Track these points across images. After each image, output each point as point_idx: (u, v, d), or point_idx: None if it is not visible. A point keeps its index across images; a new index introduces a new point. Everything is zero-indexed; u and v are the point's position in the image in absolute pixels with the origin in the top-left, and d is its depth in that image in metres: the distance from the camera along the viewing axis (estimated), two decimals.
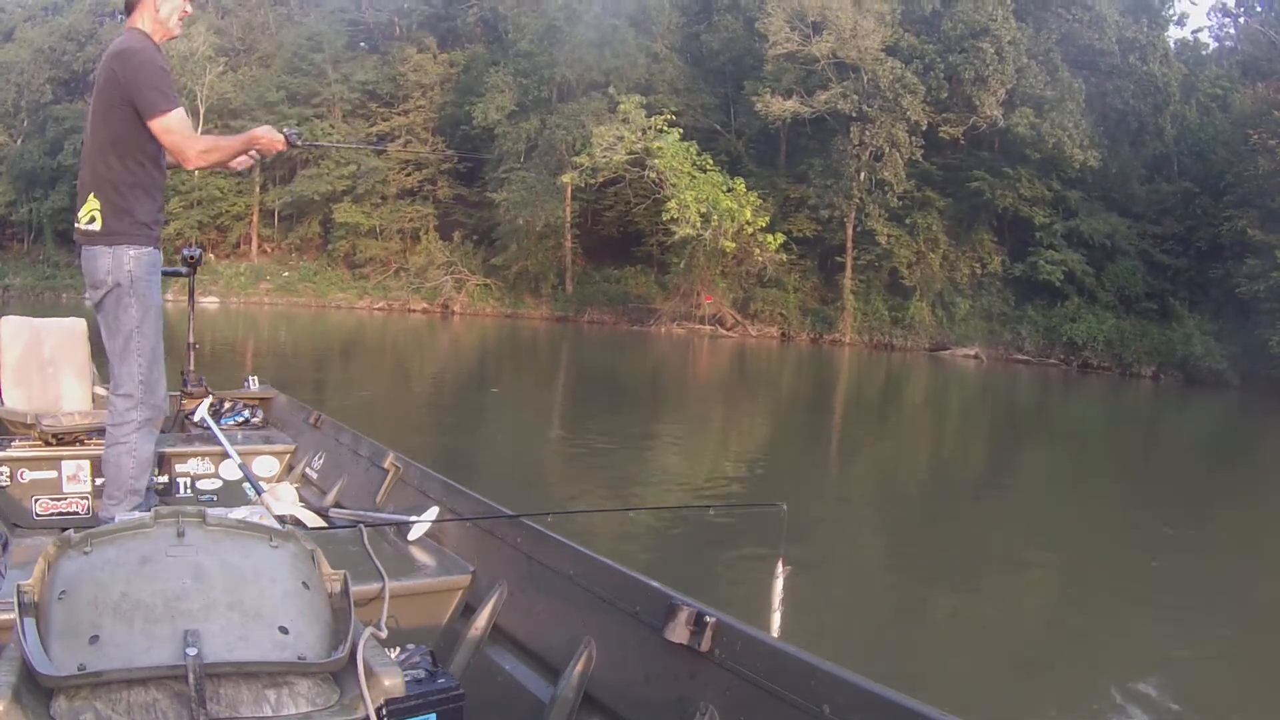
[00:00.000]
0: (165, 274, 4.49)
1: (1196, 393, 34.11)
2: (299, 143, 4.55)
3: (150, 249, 4.13)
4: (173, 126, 3.95)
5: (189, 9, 4.25)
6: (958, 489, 13.95)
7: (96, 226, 4.03)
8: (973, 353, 41.44)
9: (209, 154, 4.13)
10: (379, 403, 18.30)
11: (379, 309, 52.66)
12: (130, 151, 4.02)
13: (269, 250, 58.07)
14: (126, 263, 4.04)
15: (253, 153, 4.38)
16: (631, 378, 27.78)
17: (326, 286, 54.82)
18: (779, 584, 3.07)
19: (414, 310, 52.12)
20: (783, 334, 45.06)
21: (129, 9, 4.15)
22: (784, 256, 44.28)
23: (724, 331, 44.61)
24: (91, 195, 4.03)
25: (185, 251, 6.12)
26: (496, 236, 51.48)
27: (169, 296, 4.33)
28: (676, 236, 42.70)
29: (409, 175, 55.10)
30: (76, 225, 4.11)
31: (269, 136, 4.30)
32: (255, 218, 57.36)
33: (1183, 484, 15.93)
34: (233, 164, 4.44)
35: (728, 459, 14.42)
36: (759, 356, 38.08)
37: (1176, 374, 37.22)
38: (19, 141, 60.09)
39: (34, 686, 1.80)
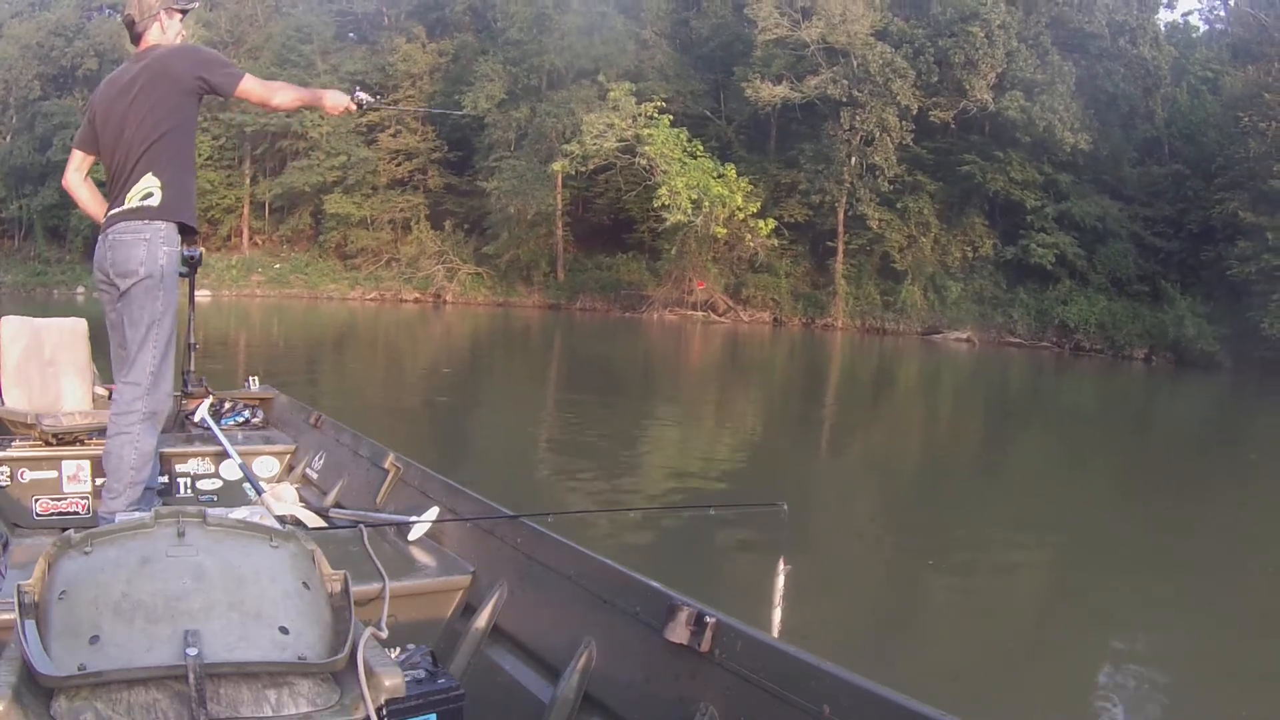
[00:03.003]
0: None
1: (1189, 374, 34.17)
2: (371, 105, 4.99)
3: (178, 245, 4.27)
4: (254, 82, 4.36)
5: (185, 31, 4.49)
6: (953, 475, 13.96)
7: (155, 202, 4.14)
8: (965, 336, 41.47)
9: (287, 91, 4.62)
10: (371, 396, 18.28)
11: (371, 300, 52.64)
12: (189, 137, 4.34)
13: (260, 243, 57.99)
14: (160, 256, 4.15)
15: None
16: (625, 366, 27.74)
17: (318, 278, 54.78)
18: (780, 582, 3.08)
19: (406, 300, 52.11)
20: (775, 319, 45.13)
21: (137, 39, 4.35)
22: (775, 242, 44.32)
23: (716, 317, 44.68)
24: (150, 174, 4.15)
25: (186, 252, 6.09)
26: (488, 225, 51.47)
27: None
28: (668, 223, 42.74)
29: (399, 165, 55.08)
30: (118, 208, 4.18)
31: (334, 100, 4.73)
32: (246, 210, 57.25)
33: (1175, 466, 15.97)
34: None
35: (724, 449, 14.40)
36: (752, 342, 38.11)
37: (1169, 356, 37.28)
38: (8, 138, 59.78)
39: (34, 686, 1.79)
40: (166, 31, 4.33)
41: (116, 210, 4.18)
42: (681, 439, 14.86)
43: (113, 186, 4.24)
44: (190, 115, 4.28)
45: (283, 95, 4.54)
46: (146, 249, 4.11)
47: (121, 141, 4.21)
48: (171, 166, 4.19)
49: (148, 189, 4.13)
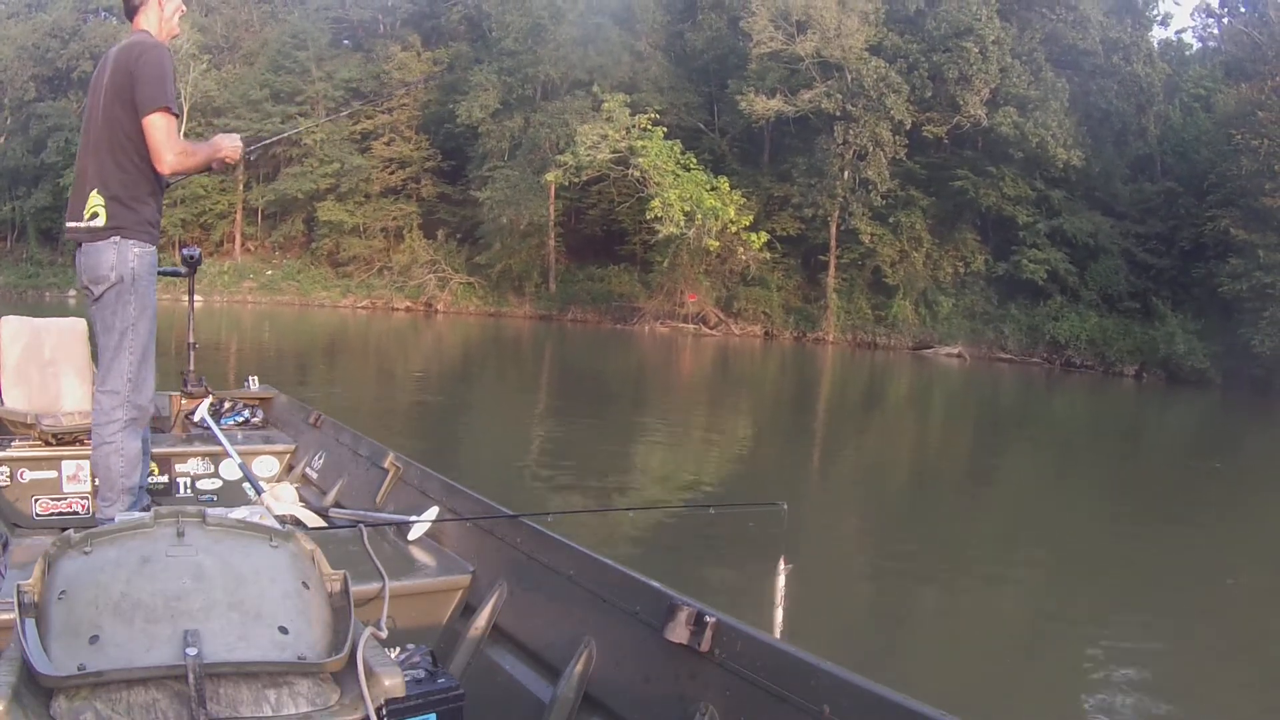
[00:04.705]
0: (164, 274, 4.46)
1: (1179, 391, 34.24)
2: (249, 150, 4.44)
3: (152, 248, 4.06)
4: (160, 125, 3.86)
5: (184, 7, 4.25)
6: (945, 489, 13.99)
7: (100, 223, 3.91)
8: (956, 351, 41.51)
9: (184, 158, 3.99)
10: (362, 403, 18.24)
11: (362, 308, 52.56)
12: (140, 148, 3.91)
13: (252, 249, 57.92)
14: (131, 260, 3.95)
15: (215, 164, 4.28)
16: (617, 377, 27.71)
17: (310, 285, 54.74)
18: (780, 582, 3.08)
19: (397, 309, 52.04)
20: (766, 332, 45.11)
21: (131, 13, 4.10)
22: (767, 255, 44.34)
23: (707, 330, 44.65)
24: (95, 192, 3.92)
25: (185, 251, 6.05)
26: (480, 235, 51.43)
27: (167, 296, 4.26)
28: (660, 235, 42.76)
29: (393, 173, 55.06)
30: (74, 224, 3.99)
31: (230, 146, 4.20)
32: (239, 216, 57.22)
33: (1165, 482, 16.02)
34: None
35: (716, 463, 14.37)
36: (743, 355, 38.11)
37: (1159, 373, 37.34)
38: (2, 139, 59.74)
39: (34, 686, 1.79)
40: (164, 8, 4.10)
41: (75, 225, 4.01)
42: (673, 453, 14.84)
43: (74, 193, 4.05)
44: (138, 124, 3.88)
45: (182, 159, 3.96)
46: (117, 252, 3.93)
47: (85, 145, 4.05)
48: (118, 181, 3.93)
49: (94, 208, 3.92)
